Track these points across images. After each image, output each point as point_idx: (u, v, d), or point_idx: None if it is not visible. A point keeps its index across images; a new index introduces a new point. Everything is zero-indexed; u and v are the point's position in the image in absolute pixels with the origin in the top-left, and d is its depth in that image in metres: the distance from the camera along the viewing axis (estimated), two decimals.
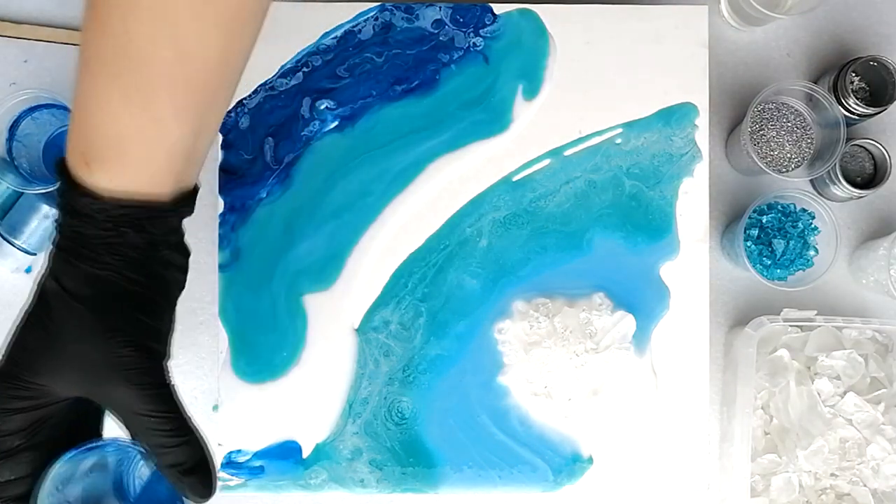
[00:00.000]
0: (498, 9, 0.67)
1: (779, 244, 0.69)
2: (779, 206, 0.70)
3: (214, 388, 0.70)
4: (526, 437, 0.66)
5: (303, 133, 0.66)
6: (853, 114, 0.69)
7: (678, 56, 0.67)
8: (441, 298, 0.66)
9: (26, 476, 0.44)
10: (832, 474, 0.69)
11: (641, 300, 0.66)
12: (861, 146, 0.71)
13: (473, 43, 0.67)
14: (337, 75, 0.67)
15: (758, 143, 0.70)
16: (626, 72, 0.67)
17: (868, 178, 0.72)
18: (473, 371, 0.66)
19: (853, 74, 0.70)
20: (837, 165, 0.69)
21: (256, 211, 0.66)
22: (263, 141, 0.66)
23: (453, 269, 0.66)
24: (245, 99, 0.66)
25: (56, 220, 0.45)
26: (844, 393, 0.69)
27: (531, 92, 0.67)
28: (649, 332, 0.66)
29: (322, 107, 0.66)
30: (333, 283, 0.66)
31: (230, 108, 0.66)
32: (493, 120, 0.67)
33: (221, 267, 0.66)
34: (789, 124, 0.70)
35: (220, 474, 0.65)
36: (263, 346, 0.66)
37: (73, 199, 0.44)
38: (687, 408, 0.66)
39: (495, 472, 0.66)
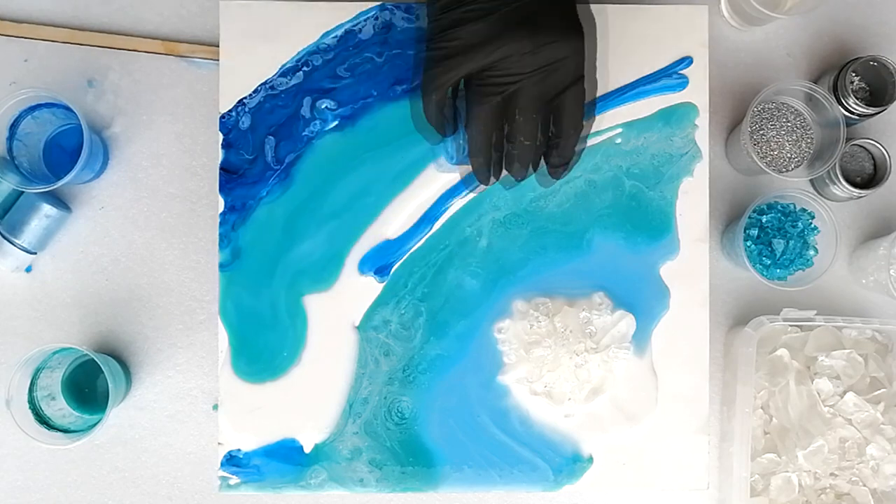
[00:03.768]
0: None
1: (779, 244, 0.69)
2: (779, 206, 0.70)
3: (214, 388, 0.70)
4: (526, 437, 0.66)
5: (303, 133, 0.66)
6: (853, 114, 0.69)
7: (678, 56, 0.67)
8: (441, 298, 0.66)
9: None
10: (832, 474, 0.69)
11: (641, 300, 0.67)
12: (861, 146, 0.71)
13: None
14: (337, 75, 0.67)
15: (758, 143, 0.70)
16: (627, 71, 0.67)
17: (868, 178, 0.72)
18: (473, 371, 0.66)
19: (853, 74, 0.70)
20: (837, 165, 0.69)
21: (257, 210, 0.66)
22: (264, 140, 0.66)
23: (453, 268, 0.67)
24: (245, 98, 0.66)
25: None
26: (844, 393, 0.69)
27: None
28: (649, 332, 0.67)
29: (322, 106, 0.66)
30: (333, 283, 0.66)
31: (230, 107, 0.66)
32: None
33: (222, 266, 0.66)
34: (789, 124, 0.70)
35: (220, 473, 0.65)
36: (263, 346, 0.66)
37: None
38: (687, 408, 0.66)
39: (495, 472, 0.66)
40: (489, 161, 0.61)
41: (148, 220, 0.71)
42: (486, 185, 0.64)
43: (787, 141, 0.70)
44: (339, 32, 0.67)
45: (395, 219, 0.67)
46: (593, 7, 0.67)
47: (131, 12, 0.72)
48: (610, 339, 0.66)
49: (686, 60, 0.67)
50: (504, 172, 0.63)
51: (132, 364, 0.71)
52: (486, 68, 0.57)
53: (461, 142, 0.65)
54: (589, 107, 0.60)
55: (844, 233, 0.72)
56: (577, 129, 0.60)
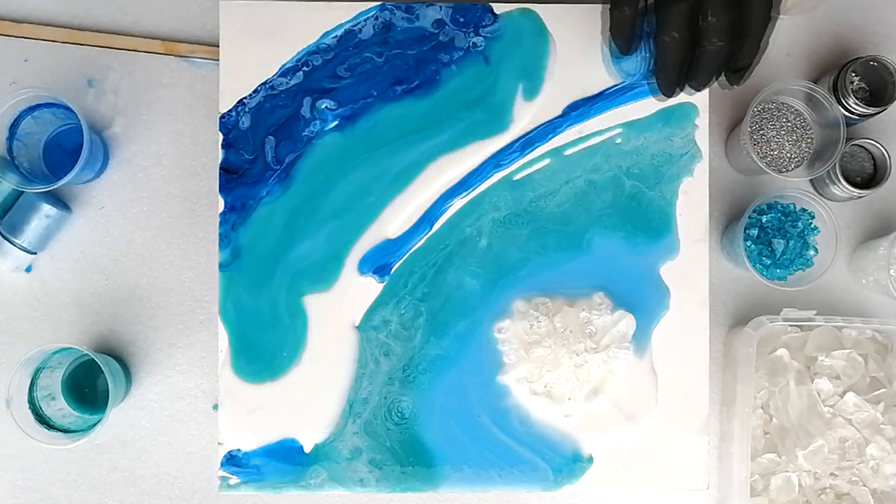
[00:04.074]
0: (498, 9, 0.67)
1: (779, 244, 0.69)
2: (779, 206, 0.70)
3: (214, 388, 0.70)
4: (526, 437, 0.66)
5: (303, 133, 0.66)
6: (853, 114, 0.69)
7: None
8: (441, 298, 0.66)
9: None
10: (832, 474, 0.69)
11: (641, 300, 0.67)
12: (861, 146, 0.71)
13: (474, 43, 0.67)
14: (337, 75, 0.67)
15: (758, 143, 0.70)
16: None
17: (868, 177, 0.72)
18: (473, 371, 0.66)
19: (853, 74, 0.70)
20: (837, 165, 0.69)
21: (257, 210, 0.66)
22: (264, 140, 0.66)
23: (453, 268, 0.67)
24: (245, 98, 0.66)
25: None
26: (844, 393, 0.69)
27: (531, 92, 0.67)
28: (649, 332, 0.67)
29: (322, 106, 0.66)
30: (333, 283, 0.66)
31: (230, 107, 0.66)
32: (493, 120, 0.67)
33: (222, 266, 0.66)
34: (789, 124, 0.70)
35: (220, 473, 0.65)
36: (263, 346, 0.66)
37: None
38: (687, 408, 0.66)
39: (495, 472, 0.66)
40: (679, 68, 0.59)
41: (148, 220, 0.71)
42: (671, 96, 0.61)
43: (787, 141, 0.70)
44: (339, 32, 0.67)
45: (395, 219, 0.67)
46: (593, 7, 0.67)
47: (131, 12, 0.72)
48: (610, 339, 0.66)
49: None
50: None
51: (132, 364, 0.71)
52: None
53: (639, 58, 0.63)
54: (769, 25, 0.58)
55: (844, 233, 0.72)
56: (764, 27, 0.57)
